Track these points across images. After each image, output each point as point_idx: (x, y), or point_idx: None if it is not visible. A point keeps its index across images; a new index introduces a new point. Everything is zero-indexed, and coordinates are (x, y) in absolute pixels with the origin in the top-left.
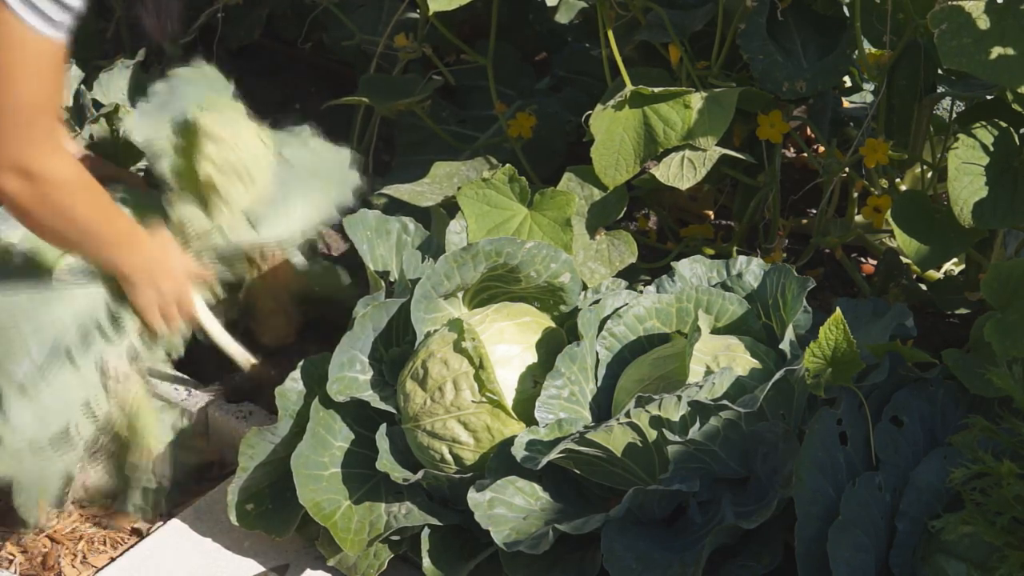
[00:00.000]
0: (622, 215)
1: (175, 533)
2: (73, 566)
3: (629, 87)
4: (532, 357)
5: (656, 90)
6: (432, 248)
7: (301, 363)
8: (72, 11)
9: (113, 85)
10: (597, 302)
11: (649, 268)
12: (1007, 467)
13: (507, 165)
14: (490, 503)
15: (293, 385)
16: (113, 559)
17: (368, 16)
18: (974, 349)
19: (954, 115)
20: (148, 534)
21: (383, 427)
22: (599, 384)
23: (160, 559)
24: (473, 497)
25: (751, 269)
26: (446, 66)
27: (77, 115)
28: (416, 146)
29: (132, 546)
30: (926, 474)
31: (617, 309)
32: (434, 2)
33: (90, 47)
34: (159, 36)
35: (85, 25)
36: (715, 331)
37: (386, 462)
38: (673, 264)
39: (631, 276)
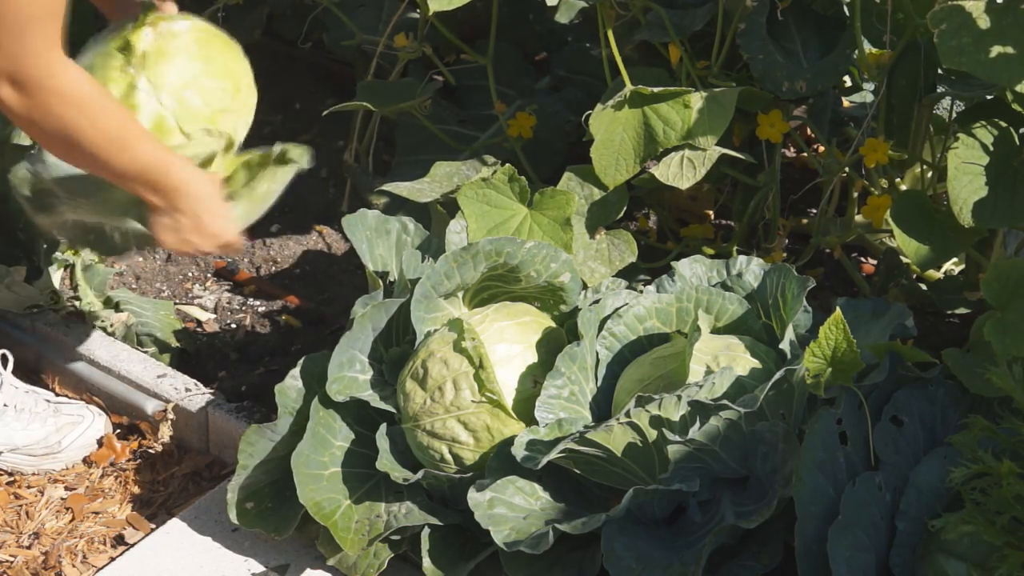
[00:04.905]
0: (622, 215)
1: (175, 533)
2: (73, 566)
3: (629, 87)
4: (532, 357)
5: (656, 90)
6: (432, 248)
7: (301, 361)
8: None
9: None
10: (597, 302)
11: (649, 268)
12: (1007, 467)
13: (507, 164)
14: (490, 503)
15: (293, 383)
16: (113, 559)
17: (368, 16)
18: (974, 349)
19: (954, 115)
20: (149, 534)
21: (383, 427)
22: (599, 384)
23: (160, 559)
24: (473, 497)
25: (751, 269)
26: (446, 66)
27: None
28: (416, 146)
29: (132, 546)
30: (926, 474)
31: (617, 309)
32: (434, 2)
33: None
34: None
35: (83, 12)
36: (715, 331)
37: (386, 462)
38: (673, 264)
39: (631, 276)
